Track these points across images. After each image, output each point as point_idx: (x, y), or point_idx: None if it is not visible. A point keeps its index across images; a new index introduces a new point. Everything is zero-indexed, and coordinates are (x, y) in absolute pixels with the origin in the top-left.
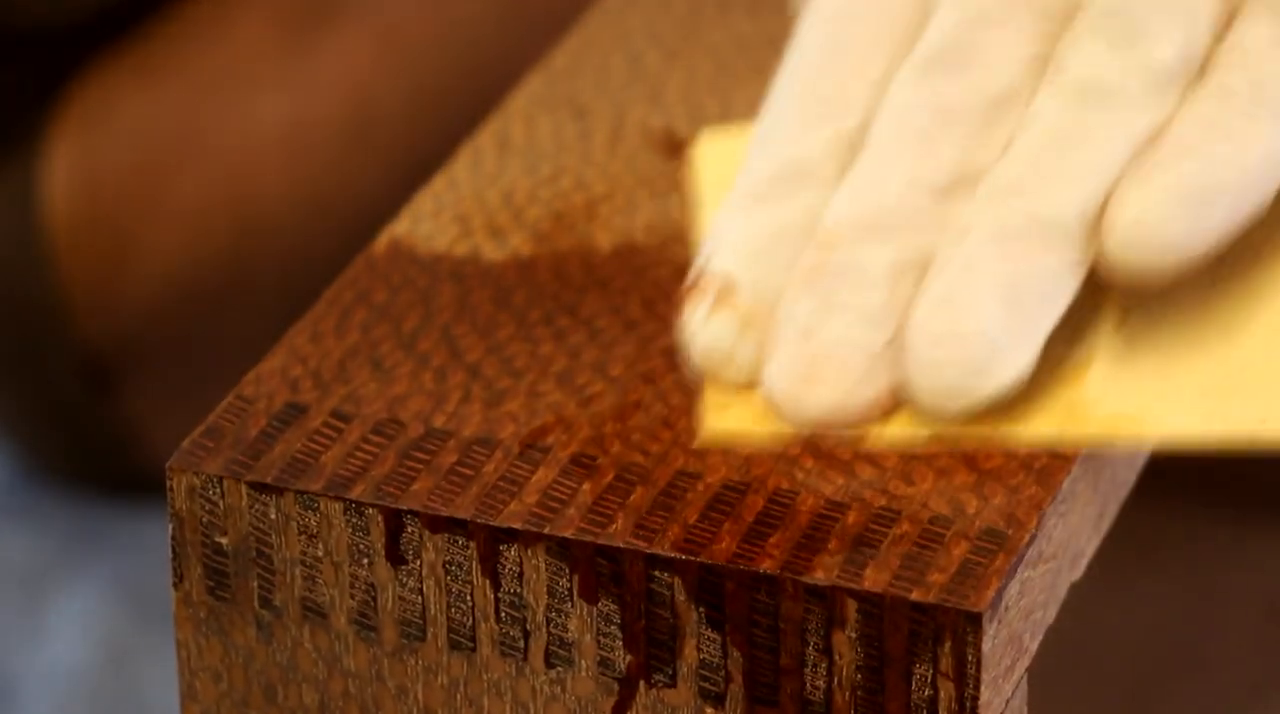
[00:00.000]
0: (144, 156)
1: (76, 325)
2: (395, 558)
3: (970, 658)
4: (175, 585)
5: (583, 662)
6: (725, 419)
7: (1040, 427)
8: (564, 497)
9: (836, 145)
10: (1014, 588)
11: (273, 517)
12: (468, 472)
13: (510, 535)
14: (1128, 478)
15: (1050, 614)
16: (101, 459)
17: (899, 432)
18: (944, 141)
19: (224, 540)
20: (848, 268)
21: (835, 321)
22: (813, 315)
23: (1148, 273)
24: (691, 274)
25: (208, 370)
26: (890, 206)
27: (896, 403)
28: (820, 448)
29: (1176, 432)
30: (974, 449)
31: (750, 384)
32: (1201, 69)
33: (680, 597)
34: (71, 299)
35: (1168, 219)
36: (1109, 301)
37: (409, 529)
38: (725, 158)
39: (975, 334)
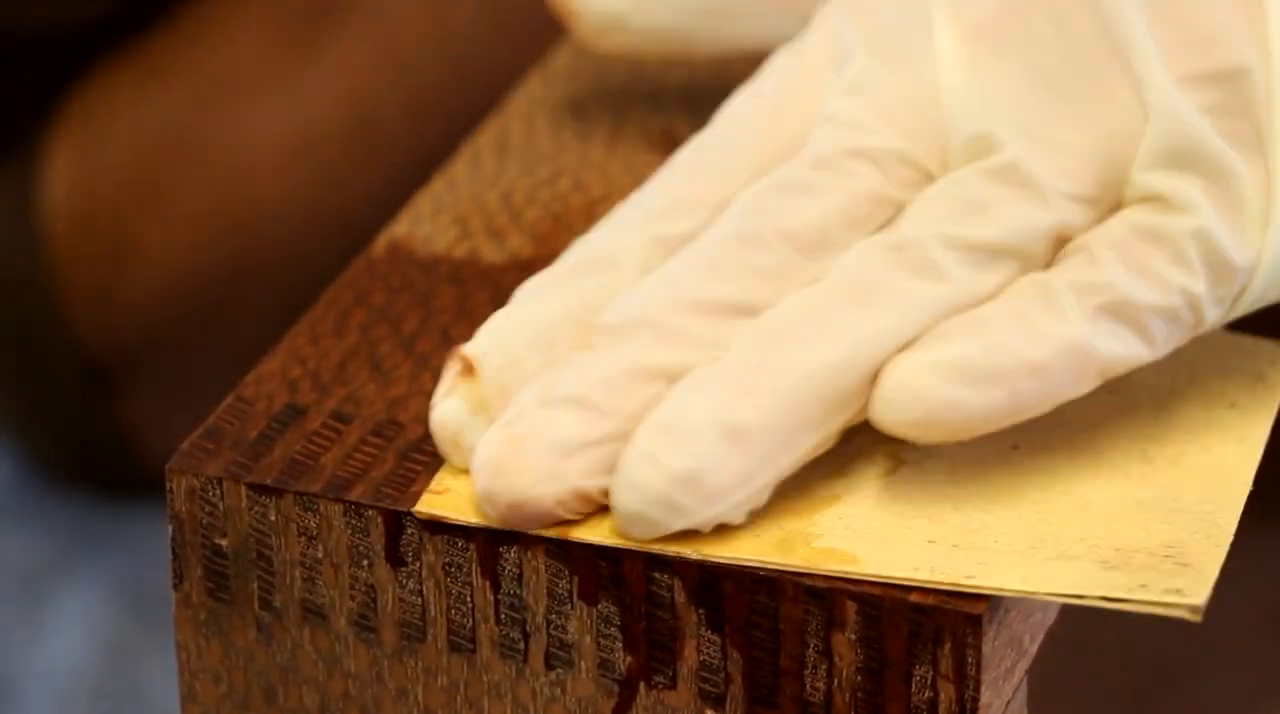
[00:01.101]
0: (144, 160)
1: (77, 328)
2: (395, 559)
3: (970, 659)
4: (175, 587)
5: (583, 663)
6: (438, 503)
7: (743, 550)
8: None
9: (652, 247)
10: None
11: (272, 518)
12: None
13: (510, 537)
14: None
15: (1050, 616)
16: (102, 460)
17: (597, 535)
18: (739, 268)
19: (224, 542)
20: (580, 363)
21: (541, 413)
22: (526, 405)
23: (907, 436)
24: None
25: (208, 372)
26: (653, 314)
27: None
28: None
29: (880, 574)
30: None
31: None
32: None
33: (680, 598)
34: (72, 302)
35: (931, 390)
36: (882, 450)
37: (409, 531)
38: None
39: (683, 467)
